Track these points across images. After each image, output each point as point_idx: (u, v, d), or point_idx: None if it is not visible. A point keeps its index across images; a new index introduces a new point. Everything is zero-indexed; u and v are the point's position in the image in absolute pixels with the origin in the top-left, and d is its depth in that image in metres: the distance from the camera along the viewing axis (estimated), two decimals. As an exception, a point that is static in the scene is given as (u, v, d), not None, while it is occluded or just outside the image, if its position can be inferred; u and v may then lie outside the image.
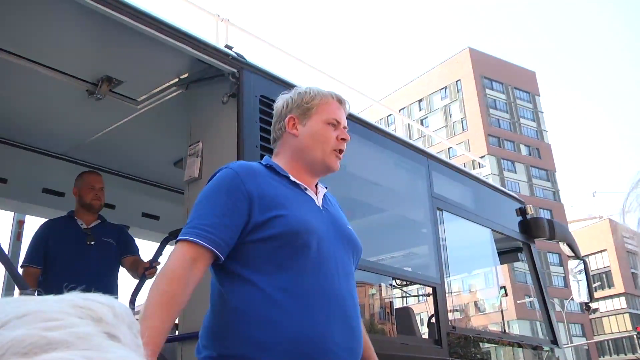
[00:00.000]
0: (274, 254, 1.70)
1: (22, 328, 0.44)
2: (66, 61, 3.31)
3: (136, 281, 4.07)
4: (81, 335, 0.44)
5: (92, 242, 3.85)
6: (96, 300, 0.50)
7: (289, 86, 3.14)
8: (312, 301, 1.68)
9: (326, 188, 2.01)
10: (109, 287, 3.79)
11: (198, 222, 1.69)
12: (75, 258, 3.76)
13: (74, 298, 0.49)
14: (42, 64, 3.27)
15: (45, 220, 4.10)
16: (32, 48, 3.16)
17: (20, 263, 3.93)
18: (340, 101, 1.98)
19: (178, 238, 1.69)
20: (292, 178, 1.86)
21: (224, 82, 3.08)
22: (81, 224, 3.91)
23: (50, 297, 0.49)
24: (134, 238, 4.30)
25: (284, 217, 1.72)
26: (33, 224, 4.83)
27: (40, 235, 3.90)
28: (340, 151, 1.93)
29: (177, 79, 3.42)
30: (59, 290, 0.51)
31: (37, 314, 0.45)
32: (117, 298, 3.71)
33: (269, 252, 1.71)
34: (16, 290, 3.35)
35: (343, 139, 1.93)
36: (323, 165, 1.91)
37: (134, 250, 4.12)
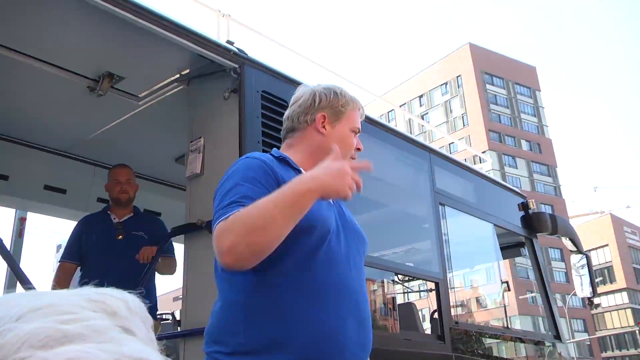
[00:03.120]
0: (290, 248, 1.65)
1: (37, 321, 0.43)
2: (67, 57, 3.30)
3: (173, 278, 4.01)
4: (96, 328, 0.45)
5: (121, 237, 3.81)
6: (110, 294, 0.50)
7: (290, 82, 3.14)
8: (326, 296, 1.67)
9: None
10: (139, 282, 3.50)
11: (240, 197, 1.61)
12: (104, 253, 3.75)
13: (88, 292, 0.50)
14: (43, 60, 3.26)
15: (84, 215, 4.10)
16: (33, 44, 3.15)
17: (20, 260, 3.91)
18: (361, 110, 2.03)
19: (226, 215, 1.56)
20: (304, 172, 1.83)
21: (225, 77, 3.08)
22: (114, 218, 3.91)
23: (64, 291, 0.49)
24: None
25: None
26: (34, 220, 4.84)
27: (76, 231, 3.95)
28: (353, 159, 1.98)
29: (178, 75, 3.41)
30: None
31: (52, 307, 0.45)
32: (150, 292, 3.62)
33: (285, 247, 1.62)
34: (19, 286, 3.34)
35: (358, 149, 1.99)
36: None
37: (167, 249, 3.82)
